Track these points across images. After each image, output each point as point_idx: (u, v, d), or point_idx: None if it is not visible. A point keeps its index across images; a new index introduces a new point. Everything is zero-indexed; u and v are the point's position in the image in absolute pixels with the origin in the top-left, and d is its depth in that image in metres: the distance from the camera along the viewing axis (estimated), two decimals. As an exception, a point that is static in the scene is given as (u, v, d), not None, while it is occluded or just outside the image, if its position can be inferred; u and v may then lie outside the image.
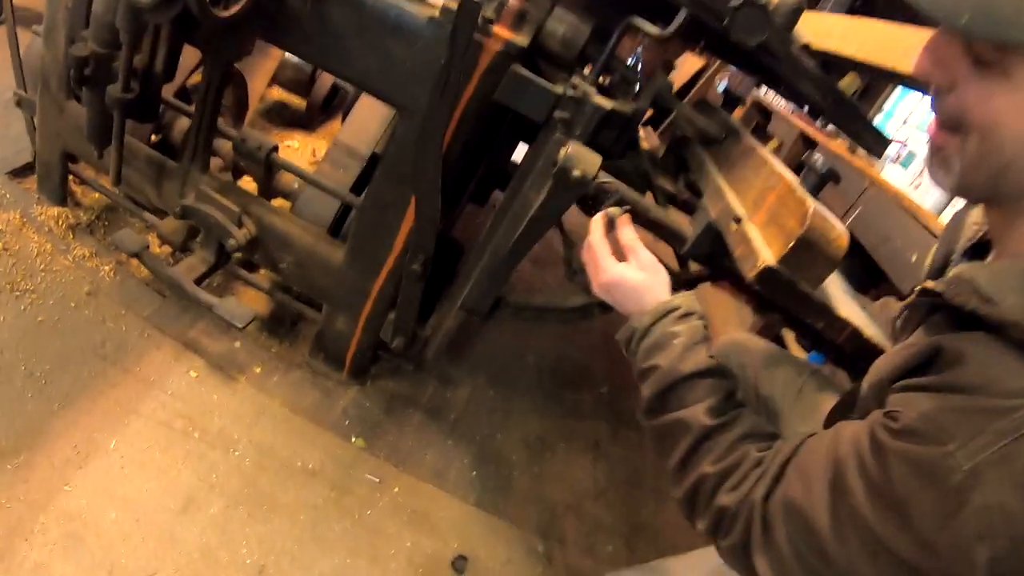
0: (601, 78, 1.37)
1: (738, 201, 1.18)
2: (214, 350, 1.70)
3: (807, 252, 0.96)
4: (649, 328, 0.94)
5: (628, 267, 1.00)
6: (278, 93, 2.87)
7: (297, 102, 2.86)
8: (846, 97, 1.37)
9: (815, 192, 1.08)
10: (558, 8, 1.31)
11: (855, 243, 2.74)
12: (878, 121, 4.43)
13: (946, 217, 2.46)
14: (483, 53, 1.28)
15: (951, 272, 0.73)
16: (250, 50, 1.55)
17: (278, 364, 1.73)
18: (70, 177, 1.86)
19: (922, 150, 2.66)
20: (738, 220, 1.11)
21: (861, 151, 3.09)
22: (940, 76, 0.68)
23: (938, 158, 0.72)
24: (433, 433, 1.77)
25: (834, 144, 3.20)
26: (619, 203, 1.15)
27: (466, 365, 2.03)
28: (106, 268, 1.76)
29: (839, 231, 0.98)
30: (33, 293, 1.60)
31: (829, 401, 1.12)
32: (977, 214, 0.85)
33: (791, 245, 0.96)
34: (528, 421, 1.97)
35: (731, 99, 3.45)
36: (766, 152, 1.24)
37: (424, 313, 1.63)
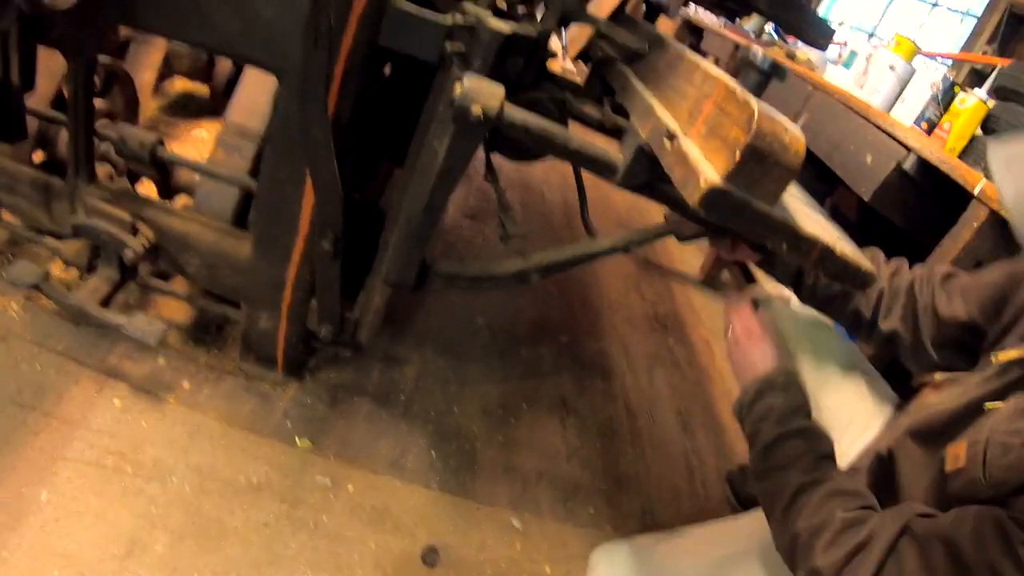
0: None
1: (670, 116, 0.96)
2: (137, 373, 1.46)
3: (758, 163, 0.75)
4: (756, 398, 1.00)
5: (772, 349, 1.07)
6: (180, 84, 2.57)
7: (201, 89, 2.56)
8: None
9: (758, 93, 0.86)
10: (437, -75, 1.07)
11: (807, 153, 2.56)
12: None
13: (897, 113, 2.27)
14: (357, -7, 1.04)
15: None
16: (112, 41, 1.30)
17: (208, 375, 1.50)
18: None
19: (863, 48, 2.45)
20: (671, 137, 0.89)
21: (803, 56, 2.88)
22: None
23: None
24: (384, 420, 1.55)
25: (771, 52, 2.98)
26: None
27: (411, 340, 1.81)
28: (14, 306, 1.52)
29: (794, 134, 0.76)
30: None
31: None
32: None
33: (738, 157, 0.75)
34: (486, 388, 1.76)
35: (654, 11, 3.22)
36: (697, 56, 1.02)
37: (356, 292, 1.42)
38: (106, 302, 1.41)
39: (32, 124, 1.50)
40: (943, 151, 1.99)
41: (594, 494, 1.59)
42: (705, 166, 0.80)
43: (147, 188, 1.64)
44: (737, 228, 0.83)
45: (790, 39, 3.05)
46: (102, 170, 1.56)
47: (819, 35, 1.24)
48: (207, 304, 1.54)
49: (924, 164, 1.97)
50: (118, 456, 1.31)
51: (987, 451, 0.81)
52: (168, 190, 1.56)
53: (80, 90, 1.29)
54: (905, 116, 2.21)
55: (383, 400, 1.61)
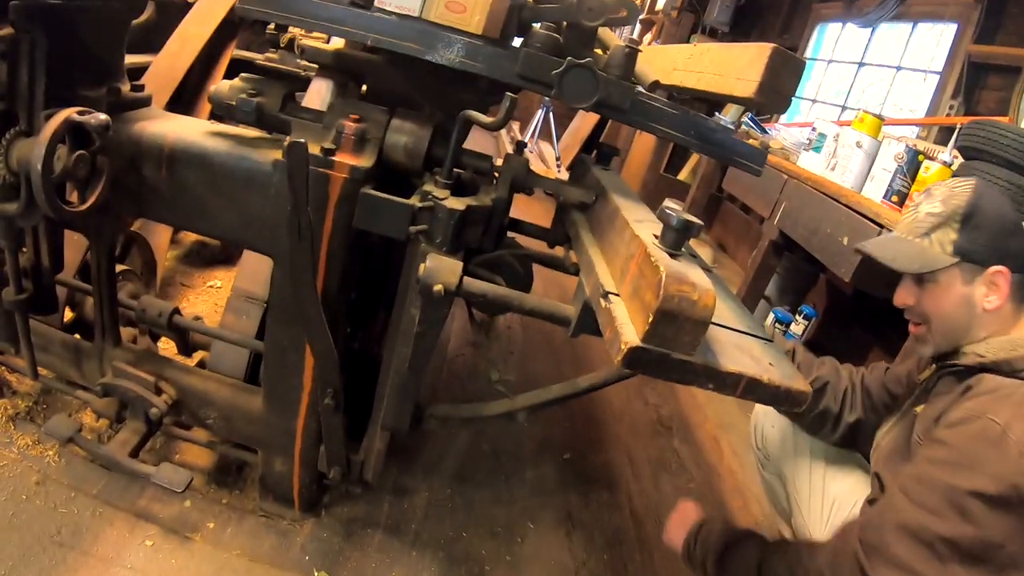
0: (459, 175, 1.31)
1: (608, 272, 1.10)
2: (166, 515, 1.61)
3: (670, 324, 0.86)
4: (697, 533, 1.32)
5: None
6: (194, 235, 2.78)
7: (213, 240, 2.77)
8: (710, 127, 1.30)
9: (677, 247, 0.98)
10: (395, 120, 1.26)
11: (789, 241, 2.67)
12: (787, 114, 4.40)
13: (868, 191, 2.38)
14: (331, 185, 1.21)
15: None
16: (128, 225, 1.51)
17: (231, 515, 1.64)
18: (1, 368, 1.81)
19: (830, 129, 2.59)
20: (605, 295, 1.03)
21: (776, 144, 3.03)
22: (908, 299, 1.21)
23: (920, 341, 1.24)
24: (396, 549, 1.65)
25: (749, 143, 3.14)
26: None
27: (419, 470, 1.92)
28: (51, 453, 1.68)
29: (702, 289, 0.87)
30: None
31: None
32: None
33: (650, 321, 0.87)
34: (493, 511, 1.86)
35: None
36: (629, 212, 1.15)
37: (362, 432, 1.56)
38: (135, 452, 1.56)
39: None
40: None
41: (603, 605, 1.66)
42: (627, 328, 0.92)
43: (167, 344, 1.82)
44: (661, 377, 0.94)
45: (769, 125, 3.22)
46: (126, 332, 1.75)
47: (754, 162, 1.37)
48: (227, 450, 1.69)
49: (896, 239, 2.06)
50: (150, 592, 1.42)
51: (920, 424, 1.17)
52: (187, 347, 1.74)
53: (103, 267, 1.48)
54: (875, 192, 2.31)
55: (394, 530, 1.71)
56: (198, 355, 1.83)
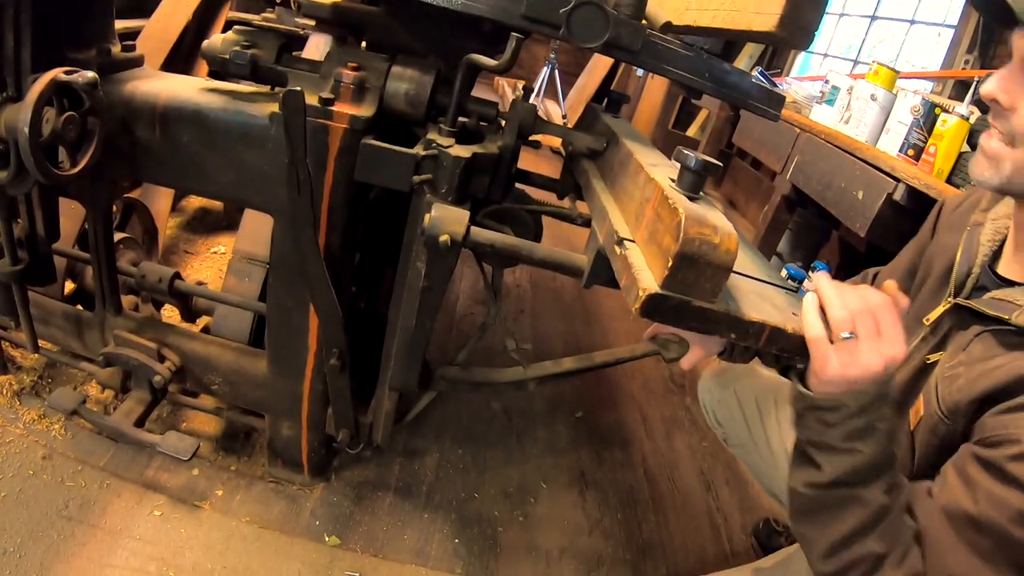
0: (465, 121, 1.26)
1: (621, 218, 1.05)
2: (174, 484, 1.59)
3: (690, 267, 0.80)
4: (864, 408, 0.82)
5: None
6: (197, 201, 2.76)
7: (216, 205, 2.76)
8: (725, 68, 1.24)
9: (696, 191, 0.93)
10: (395, 67, 1.20)
11: (801, 196, 2.61)
12: (798, 60, 4.28)
13: (883, 144, 2.32)
14: (331, 136, 1.17)
15: (988, 295, 0.93)
16: (125, 190, 1.47)
17: (239, 481, 1.62)
18: (4, 344, 1.78)
19: (843, 82, 2.52)
20: (620, 242, 0.98)
21: (788, 98, 2.96)
22: (1006, 100, 0.84)
23: (991, 161, 0.88)
24: (407, 511, 1.64)
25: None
26: None
27: (430, 431, 1.90)
28: (56, 427, 1.67)
29: (724, 232, 0.80)
30: None
31: None
32: (990, 229, 1.01)
33: (669, 266, 0.83)
34: (505, 471, 1.84)
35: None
36: (642, 156, 1.10)
37: (371, 394, 1.53)
38: (141, 422, 1.54)
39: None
40: (931, 176, 2.04)
41: (618, 564, 1.64)
42: (645, 274, 0.87)
43: (171, 312, 1.79)
44: (680, 326, 0.90)
45: (781, 80, 3.14)
46: (128, 300, 1.72)
47: (771, 107, 1.32)
48: (234, 416, 1.67)
49: (913, 192, 2.01)
50: (160, 562, 1.42)
51: (937, 389, 0.93)
52: (190, 313, 1.71)
53: (100, 234, 1.44)
54: (891, 146, 2.25)
55: (405, 493, 1.70)
56: (202, 321, 1.80)
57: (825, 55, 4.32)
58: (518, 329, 1.31)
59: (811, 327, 0.83)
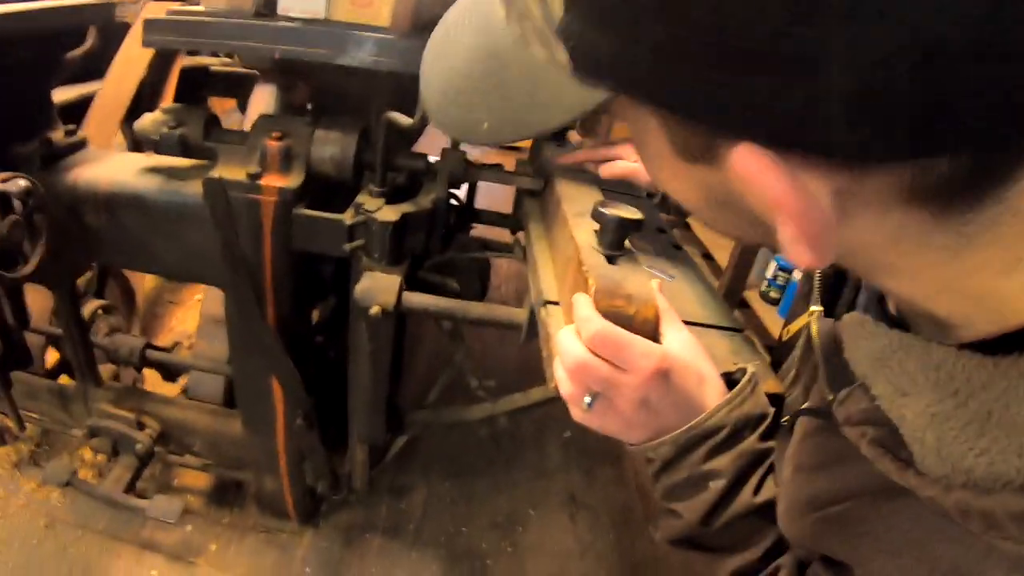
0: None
1: (552, 274, 1.05)
2: (170, 542, 1.64)
3: None
4: (671, 462, 0.65)
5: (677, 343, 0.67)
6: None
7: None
8: None
9: (618, 245, 0.91)
10: (318, 131, 1.21)
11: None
12: None
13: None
14: (263, 210, 1.18)
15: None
16: (85, 270, 1.50)
17: (232, 534, 1.67)
18: (1, 417, 1.85)
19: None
20: (545, 304, 0.97)
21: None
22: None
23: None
24: (396, 552, 1.67)
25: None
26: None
27: (416, 466, 1.92)
28: (55, 494, 1.73)
29: (640, 300, 0.73)
30: None
31: None
32: None
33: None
34: (494, 500, 1.86)
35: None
36: (571, 203, 1.08)
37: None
38: (131, 486, 1.59)
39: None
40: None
41: (611, 586, 1.66)
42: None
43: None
44: None
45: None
46: (109, 368, 1.77)
47: None
48: (221, 471, 1.71)
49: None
50: (161, 620, 1.47)
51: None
52: (170, 373, 1.75)
53: (69, 314, 1.49)
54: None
55: (393, 533, 1.73)
56: (184, 378, 1.84)
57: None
58: (480, 370, 1.31)
59: (559, 384, 0.69)
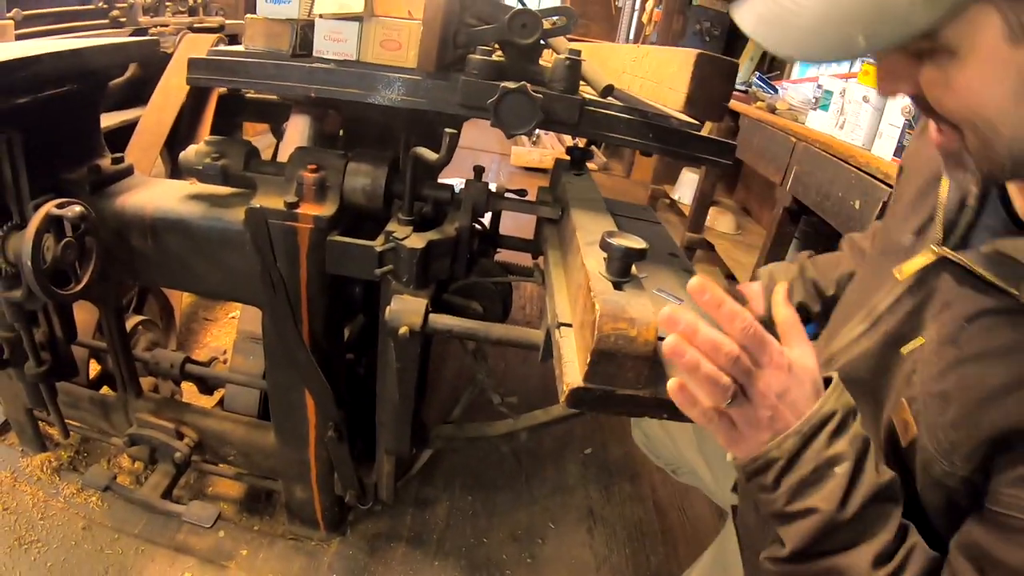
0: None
1: (567, 297, 1.13)
2: (203, 546, 1.74)
3: (610, 362, 0.84)
4: (798, 454, 0.66)
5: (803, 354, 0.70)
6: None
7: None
8: (668, 128, 1.30)
9: (623, 274, 0.98)
10: (351, 163, 1.31)
11: (802, 207, 2.60)
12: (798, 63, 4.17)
13: (878, 149, 2.32)
14: (299, 236, 1.28)
15: (990, 245, 0.65)
16: (130, 289, 1.62)
17: (262, 540, 1.76)
18: (42, 424, 1.97)
19: (835, 85, 2.52)
20: (559, 326, 1.05)
21: (783, 105, 2.96)
22: (905, 87, 0.62)
23: (951, 161, 0.64)
24: (418, 561, 1.75)
25: (755, 110, 3.08)
26: None
27: (440, 479, 2.01)
28: (94, 499, 1.84)
29: (641, 324, 0.83)
30: (38, 543, 1.69)
31: None
32: None
33: (588, 361, 0.89)
34: (514, 514, 1.93)
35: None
36: (584, 233, 1.16)
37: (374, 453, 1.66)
38: (167, 493, 1.70)
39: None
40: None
41: (626, 598, 1.73)
42: (571, 367, 0.94)
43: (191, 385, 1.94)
44: (610, 413, 0.96)
45: (779, 84, 3.14)
46: (149, 380, 1.88)
47: (719, 155, 1.36)
48: (253, 480, 1.81)
49: (910, 201, 2.01)
50: (192, 620, 1.57)
51: (921, 410, 0.70)
52: (207, 386, 1.86)
53: (113, 329, 1.60)
54: (885, 150, 2.24)
55: (417, 542, 1.81)
56: (220, 392, 1.95)
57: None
58: (503, 387, 1.40)
59: (696, 381, 0.69)
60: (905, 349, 0.75)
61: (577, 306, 1.03)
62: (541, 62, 1.33)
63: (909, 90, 0.61)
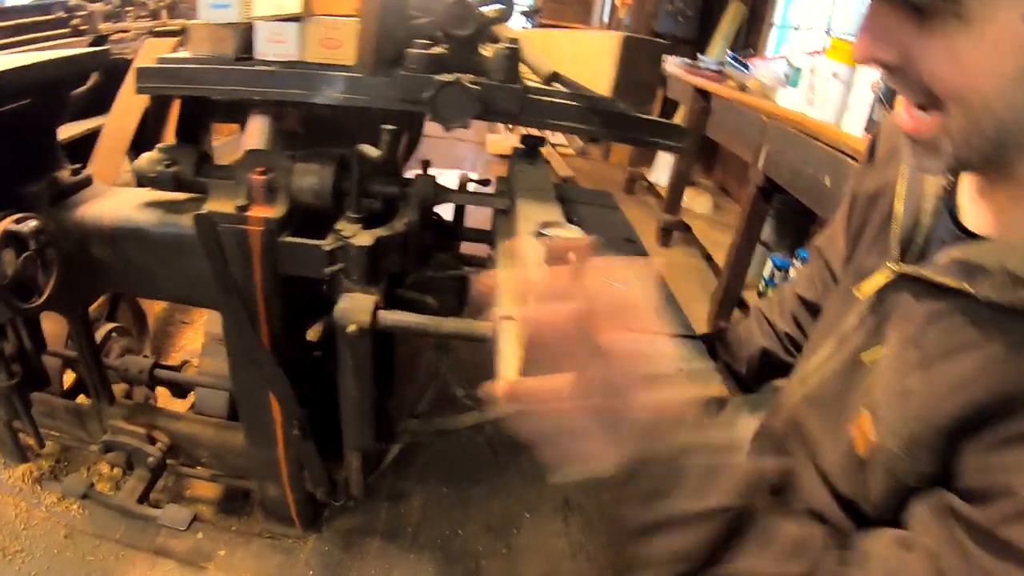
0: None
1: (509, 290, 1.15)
2: (181, 549, 1.78)
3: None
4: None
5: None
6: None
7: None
8: (616, 112, 1.32)
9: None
10: (298, 164, 1.33)
11: (775, 186, 2.61)
12: (773, 39, 4.18)
13: (846, 126, 2.34)
14: (251, 239, 1.31)
15: (945, 255, 0.64)
16: (95, 297, 1.65)
17: (239, 540, 1.80)
18: (21, 436, 2.01)
19: (804, 61, 2.53)
20: (501, 319, 1.07)
21: (754, 84, 2.97)
22: (889, 53, 0.57)
23: (921, 146, 0.61)
24: (394, 554, 1.78)
25: (726, 89, 3.10)
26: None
27: (414, 472, 2.04)
28: (75, 507, 1.88)
29: None
30: (22, 552, 1.73)
31: None
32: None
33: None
34: (489, 505, 1.96)
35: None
36: (528, 224, 1.18)
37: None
38: (144, 497, 1.74)
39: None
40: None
41: (601, 584, 1.76)
42: (508, 360, 0.95)
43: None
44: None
45: (751, 61, 3.15)
46: (122, 387, 1.92)
47: (674, 139, 1.38)
48: (228, 480, 1.85)
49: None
50: (173, 621, 1.60)
51: (885, 415, 0.67)
52: (180, 389, 1.90)
53: (82, 337, 1.63)
54: (855, 126, 2.26)
55: (392, 536, 1.84)
56: (193, 395, 1.99)
57: (797, 28, 4.19)
58: (473, 372, 1.41)
59: None
60: (867, 358, 0.74)
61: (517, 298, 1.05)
62: (485, 52, 1.35)
63: (892, 58, 0.57)
